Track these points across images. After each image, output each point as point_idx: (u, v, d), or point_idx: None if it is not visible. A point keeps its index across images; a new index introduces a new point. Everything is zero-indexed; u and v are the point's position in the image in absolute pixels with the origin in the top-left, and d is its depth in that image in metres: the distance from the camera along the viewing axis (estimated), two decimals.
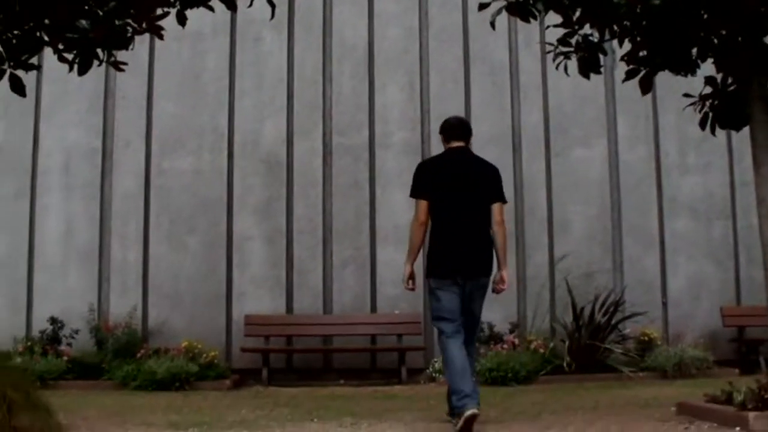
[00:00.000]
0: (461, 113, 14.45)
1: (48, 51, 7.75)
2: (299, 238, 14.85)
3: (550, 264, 14.90)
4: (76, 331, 13.97)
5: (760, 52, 8.22)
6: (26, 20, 7.40)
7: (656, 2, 7.84)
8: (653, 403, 9.99)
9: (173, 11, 7.95)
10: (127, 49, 7.84)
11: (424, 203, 8.40)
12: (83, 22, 7.49)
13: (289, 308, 14.71)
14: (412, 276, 8.48)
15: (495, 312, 13.73)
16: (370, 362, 14.44)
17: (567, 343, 13.62)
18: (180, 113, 14.99)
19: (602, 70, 9.05)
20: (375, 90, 15.23)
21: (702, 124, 8.96)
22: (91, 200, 14.78)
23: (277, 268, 14.77)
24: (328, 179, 14.99)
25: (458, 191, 8.43)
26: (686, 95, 8.85)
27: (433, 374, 13.14)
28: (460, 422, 7.71)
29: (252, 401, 11.18)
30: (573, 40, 8.66)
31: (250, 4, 7.97)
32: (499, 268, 8.54)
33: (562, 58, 8.74)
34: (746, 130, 8.78)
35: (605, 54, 8.87)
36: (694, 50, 8.48)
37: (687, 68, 8.59)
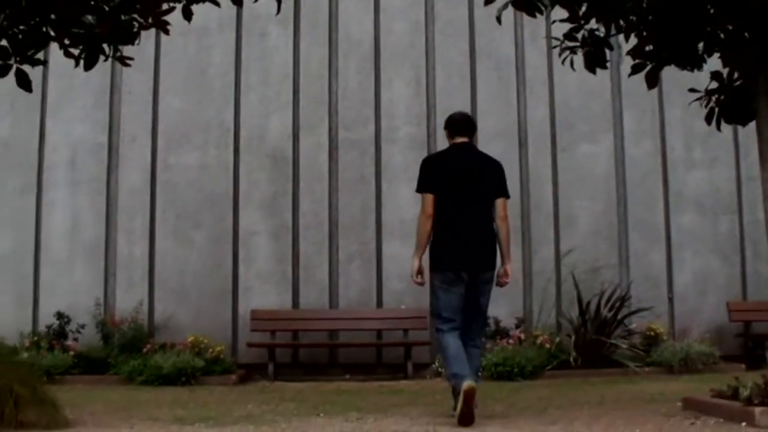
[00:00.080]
0: (467, 108, 14.49)
1: (54, 46, 7.75)
2: (305, 233, 14.86)
3: (556, 259, 14.90)
4: (83, 326, 13.98)
5: (767, 47, 8.20)
6: (32, 15, 7.41)
7: None
8: (659, 398, 9.99)
9: (179, 6, 7.95)
10: (133, 44, 7.84)
11: (430, 197, 8.47)
12: (89, 17, 7.49)
13: (295, 303, 14.72)
14: (420, 270, 8.53)
15: (501, 307, 13.75)
16: (376, 357, 14.44)
17: (573, 338, 13.62)
18: (186, 108, 14.99)
19: (608, 65, 9.04)
20: (381, 85, 15.23)
21: (708, 120, 8.95)
22: (97, 195, 14.79)
23: (283, 263, 14.78)
24: (334, 174, 14.99)
25: (463, 186, 8.52)
26: (692, 90, 8.84)
27: (439, 369, 13.12)
28: (460, 399, 7.88)
29: (258, 396, 11.18)
30: (579, 35, 8.66)
31: (256, 0, 7.97)
32: (503, 262, 8.65)
33: (568, 53, 8.73)
34: (753, 124, 8.77)
35: (611, 49, 8.86)
36: (701, 45, 8.46)
37: (693, 63, 8.58)
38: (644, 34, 8.42)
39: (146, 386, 12.58)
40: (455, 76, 15.29)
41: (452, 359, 8.22)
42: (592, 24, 8.62)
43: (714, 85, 8.84)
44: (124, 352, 13.57)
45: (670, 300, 14.93)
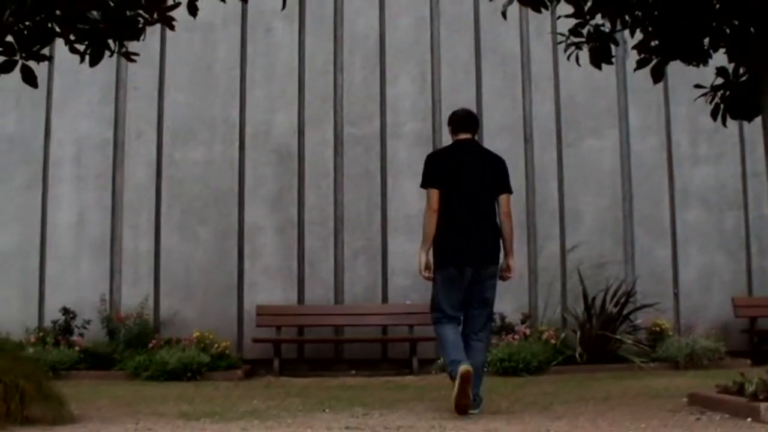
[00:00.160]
0: (472, 103, 14.52)
1: (59, 42, 7.76)
2: (311, 228, 14.86)
3: (561, 255, 14.89)
4: (88, 322, 14.00)
5: None
6: (38, 11, 7.41)
7: None
8: (664, 393, 9.98)
9: (184, 2, 7.95)
10: (138, 39, 7.85)
11: (435, 192, 8.55)
12: (94, 13, 7.50)
13: (301, 299, 14.73)
14: (428, 265, 8.58)
15: (506, 303, 13.75)
16: (382, 353, 14.45)
17: (578, 333, 13.62)
18: (191, 104, 15.01)
19: (614, 60, 9.03)
20: (386, 80, 15.23)
21: (714, 115, 8.94)
22: (102, 191, 14.81)
23: (289, 258, 14.79)
24: (339, 170, 15.00)
25: (466, 182, 8.60)
26: (698, 86, 8.83)
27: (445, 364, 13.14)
28: (456, 383, 8.01)
29: (263, 391, 11.19)
30: (584, 31, 8.65)
31: None
32: (506, 256, 8.75)
33: (573, 48, 8.73)
34: (758, 120, 8.76)
35: (617, 44, 8.85)
36: (706, 40, 8.45)
37: (698, 58, 8.57)
38: (649, 29, 8.41)
39: (152, 382, 12.59)
40: (460, 72, 15.28)
41: (449, 346, 8.39)
42: (598, 19, 8.61)
43: (719, 80, 8.84)
44: (130, 348, 13.59)
45: (676, 296, 14.93)
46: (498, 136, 14.86)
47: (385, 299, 14.74)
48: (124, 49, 8.00)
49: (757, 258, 15.08)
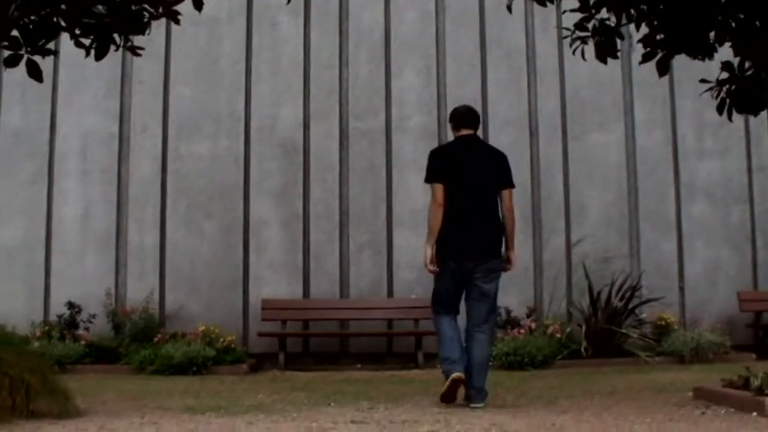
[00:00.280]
0: (478, 97, 14.53)
1: (65, 36, 7.75)
2: (316, 222, 14.87)
3: (566, 249, 14.89)
4: (94, 316, 14.00)
5: None
6: (43, 6, 7.41)
7: None
8: (670, 387, 9.99)
9: None
10: (143, 34, 7.84)
11: (439, 186, 8.70)
12: (99, 7, 7.50)
13: (306, 293, 14.74)
14: (433, 259, 8.73)
15: (512, 296, 13.81)
16: (387, 347, 14.44)
17: (583, 327, 13.62)
18: (197, 98, 15.01)
19: (619, 54, 9.01)
20: (391, 74, 15.22)
21: (719, 110, 8.92)
22: (108, 185, 14.82)
23: (294, 252, 14.79)
24: (344, 164, 15.00)
25: (469, 177, 8.76)
26: (703, 81, 8.81)
27: None
28: (447, 383, 8.42)
29: (269, 385, 11.21)
30: (590, 25, 8.64)
31: None
32: (507, 249, 8.91)
33: (579, 42, 8.72)
34: (764, 114, 8.75)
35: (622, 38, 8.84)
36: (712, 34, 8.44)
37: (704, 52, 8.55)
38: (655, 23, 8.40)
39: (157, 376, 12.61)
40: (466, 66, 15.27)
41: (444, 342, 8.66)
42: (603, 13, 8.60)
43: (725, 75, 8.82)
44: (135, 342, 13.61)
45: (681, 290, 14.91)
46: (503, 130, 14.86)
47: (390, 293, 14.74)
48: (129, 44, 7.99)
49: (763, 252, 15.06)
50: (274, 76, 15.18)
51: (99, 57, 7.70)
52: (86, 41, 7.66)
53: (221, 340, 13.53)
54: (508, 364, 12.83)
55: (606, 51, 8.72)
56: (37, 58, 7.45)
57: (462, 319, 8.87)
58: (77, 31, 7.58)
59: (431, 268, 8.74)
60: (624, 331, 13.53)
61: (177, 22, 7.87)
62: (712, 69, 8.87)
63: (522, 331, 13.66)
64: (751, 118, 11.56)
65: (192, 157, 14.91)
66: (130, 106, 14.98)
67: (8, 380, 7.54)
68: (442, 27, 15.33)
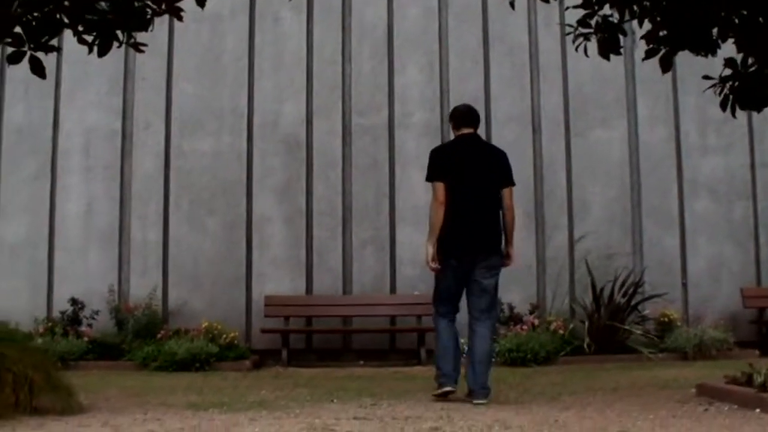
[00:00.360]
0: (480, 94, 14.55)
1: (68, 33, 7.75)
2: (319, 218, 14.87)
3: (569, 245, 14.89)
4: (97, 312, 14.02)
5: None
6: (46, 2, 7.41)
7: None
8: (673, 384, 9.99)
9: None
10: (146, 30, 7.83)
11: (441, 185, 8.83)
12: (102, 3, 7.49)
13: (309, 289, 14.74)
14: (435, 256, 8.83)
15: (515, 293, 13.83)
16: (390, 343, 14.46)
17: (586, 324, 13.63)
18: (199, 94, 15.01)
19: (622, 51, 9.01)
20: (394, 70, 15.22)
21: (723, 106, 8.90)
22: (111, 181, 14.82)
23: (297, 248, 14.80)
24: (347, 160, 15.00)
25: (470, 176, 8.89)
26: (706, 77, 8.80)
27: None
28: (438, 392, 8.80)
29: (272, 382, 11.22)
30: (593, 21, 8.62)
31: None
32: (506, 246, 9.03)
33: (581, 39, 8.70)
34: (767, 110, 8.74)
35: (625, 35, 8.82)
36: (715, 30, 8.43)
37: (707, 48, 8.54)
38: (658, 19, 8.39)
39: (160, 372, 12.62)
40: (468, 62, 15.27)
41: (441, 354, 8.94)
42: (606, 10, 8.59)
43: (728, 71, 8.81)
44: (138, 338, 13.62)
45: (684, 286, 14.91)
46: (506, 127, 14.87)
47: (393, 289, 14.75)
48: (132, 40, 7.99)
49: (766, 248, 15.07)
50: (276, 72, 15.18)
51: (102, 53, 7.70)
52: (89, 38, 7.66)
53: (224, 336, 13.53)
54: (511, 360, 12.83)
55: (609, 47, 8.71)
56: (40, 55, 7.45)
57: (463, 317, 8.94)
58: (80, 28, 7.58)
59: (433, 265, 8.84)
60: (627, 327, 13.53)
61: (180, 18, 7.86)
62: (715, 65, 8.85)
63: (525, 327, 13.66)
64: (755, 114, 11.57)
65: (195, 153, 14.92)
66: (132, 103, 14.98)
67: (11, 377, 7.56)
68: (444, 23, 15.33)
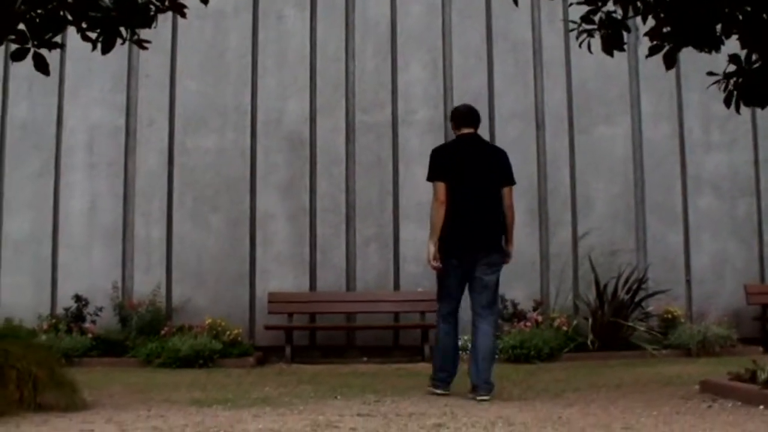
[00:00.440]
0: (484, 90, 14.56)
1: (71, 30, 7.75)
2: (322, 215, 14.87)
3: (573, 242, 14.88)
4: (101, 309, 14.04)
5: None
6: None
7: None
8: (676, 380, 9.99)
9: None
10: (150, 27, 7.83)
11: (441, 184, 8.94)
12: (106, 0, 7.50)
13: (313, 286, 14.75)
14: (436, 255, 8.92)
15: (518, 290, 13.85)
16: (393, 340, 14.46)
17: (590, 320, 13.64)
18: (203, 91, 15.01)
19: (625, 47, 9.00)
20: (398, 67, 15.21)
21: (727, 102, 8.90)
22: (114, 178, 14.83)
23: (301, 245, 14.80)
24: (351, 157, 15.00)
25: (470, 175, 8.98)
26: (710, 74, 8.80)
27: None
28: (431, 389, 9.07)
29: (275, 378, 11.22)
30: (596, 17, 8.62)
31: None
32: (506, 244, 9.12)
33: (585, 35, 8.70)
34: None
35: (629, 31, 8.81)
36: (718, 26, 8.42)
37: (711, 45, 8.53)
38: (661, 15, 8.38)
39: (164, 369, 12.63)
40: (472, 59, 15.26)
41: (439, 355, 9.22)
42: (609, 6, 8.58)
43: (732, 67, 8.80)
44: (142, 335, 13.63)
45: (688, 283, 14.91)
46: (510, 123, 14.86)
47: (396, 286, 14.76)
48: (135, 37, 7.99)
49: None
50: (280, 70, 15.18)
51: (105, 50, 7.70)
52: (93, 35, 7.66)
53: (228, 333, 13.55)
54: (515, 357, 12.84)
55: (612, 44, 8.70)
56: (43, 52, 7.45)
57: (466, 314, 8.97)
58: (84, 25, 7.58)
59: (434, 264, 8.95)
60: (630, 324, 13.54)
61: (183, 15, 7.87)
62: (718, 62, 8.84)
63: (528, 324, 13.66)
64: (758, 110, 11.54)
65: (198, 150, 14.92)
66: (136, 100, 14.99)
67: (16, 373, 7.56)
68: (448, 20, 15.32)
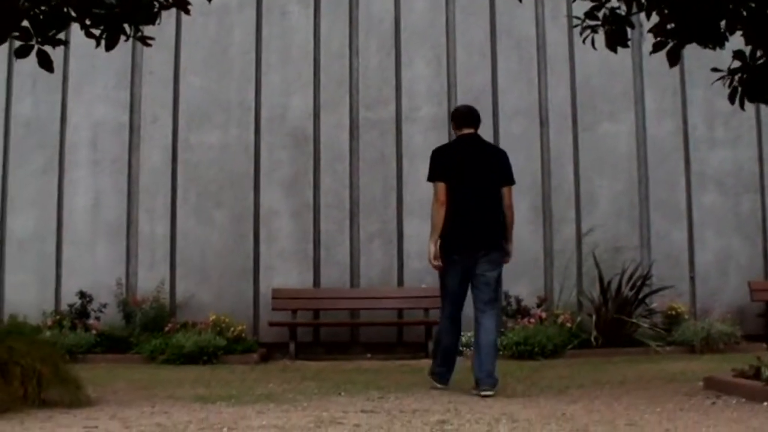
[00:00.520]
0: (488, 87, 14.56)
1: (75, 27, 7.76)
2: (326, 212, 14.87)
3: (577, 238, 14.87)
4: (105, 305, 14.04)
5: None
6: None
7: None
8: (680, 377, 9.99)
9: None
10: (153, 24, 7.84)
11: (442, 184, 9.07)
12: None
13: (316, 282, 14.75)
14: (437, 254, 9.04)
15: (522, 286, 13.85)
16: (397, 336, 14.45)
17: (594, 317, 13.62)
18: (207, 88, 15.01)
19: (629, 43, 8.99)
20: (401, 64, 15.21)
21: (731, 98, 8.89)
22: (118, 175, 14.84)
23: (305, 242, 14.80)
24: (354, 153, 15.00)
25: (471, 175, 9.07)
26: (714, 70, 8.79)
27: (460, 348, 13.13)
28: (431, 380, 9.38)
29: (279, 375, 11.23)
30: (600, 14, 8.61)
31: None
32: (505, 243, 9.22)
33: (589, 31, 8.69)
34: None
35: (633, 27, 8.81)
36: (723, 23, 8.41)
37: (715, 41, 8.52)
38: (665, 12, 8.37)
39: (168, 365, 12.64)
40: (476, 55, 15.25)
41: (440, 351, 9.38)
42: (613, 2, 8.58)
43: (736, 64, 8.79)
44: (146, 331, 13.65)
45: (692, 279, 14.89)
46: (513, 120, 14.86)
47: (400, 282, 14.75)
48: (139, 34, 7.99)
49: None
50: (284, 66, 15.17)
51: (109, 47, 7.71)
52: (96, 31, 7.67)
53: (232, 329, 13.55)
54: (519, 353, 12.84)
55: (616, 40, 8.70)
56: (47, 49, 7.46)
57: (469, 311, 9.03)
58: (87, 22, 7.59)
59: (435, 263, 9.06)
60: (634, 320, 13.53)
61: (187, 11, 7.88)
62: (723, 58, 8.84)
63: (532, 320, 13.66)
64: (763, 106, 11.53)
65: (202, 146, 14.93)
66: (140, 96, 14.99)
67: (20, 369, 7.57)
68: (452, 16, 15.31)
